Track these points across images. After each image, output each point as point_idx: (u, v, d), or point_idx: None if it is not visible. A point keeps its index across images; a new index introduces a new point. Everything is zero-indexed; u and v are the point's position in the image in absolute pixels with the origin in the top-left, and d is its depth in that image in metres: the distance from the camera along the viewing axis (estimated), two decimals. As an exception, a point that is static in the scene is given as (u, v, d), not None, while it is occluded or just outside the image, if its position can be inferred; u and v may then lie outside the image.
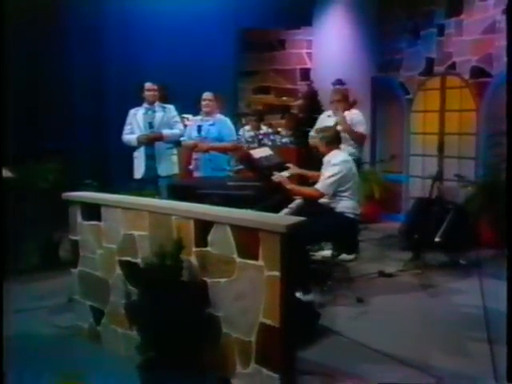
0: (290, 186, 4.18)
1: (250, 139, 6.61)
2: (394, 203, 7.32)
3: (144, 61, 6.80)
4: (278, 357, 2.52)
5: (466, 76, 6.53)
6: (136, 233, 3.12)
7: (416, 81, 7.26)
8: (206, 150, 5.20)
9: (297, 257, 2.68)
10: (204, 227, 2.76)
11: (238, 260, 2.62)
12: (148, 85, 5.24)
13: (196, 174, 5.27)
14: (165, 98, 5.40)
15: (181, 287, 2.72)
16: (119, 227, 3.22)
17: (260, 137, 6.66)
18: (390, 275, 4.86)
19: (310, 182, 4.50)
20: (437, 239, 4.98)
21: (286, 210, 4.01)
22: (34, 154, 5.44)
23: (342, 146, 4.63)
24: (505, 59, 5.02)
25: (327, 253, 4.26)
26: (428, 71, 7.10)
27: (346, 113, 5.29)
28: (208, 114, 5.33)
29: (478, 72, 6.37)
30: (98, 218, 3.36)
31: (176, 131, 5.28)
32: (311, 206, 4.19)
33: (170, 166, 5.25)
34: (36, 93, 6.57)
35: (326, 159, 4.31)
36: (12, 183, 4.70)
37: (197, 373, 2.70)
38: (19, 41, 6.26)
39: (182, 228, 2.87)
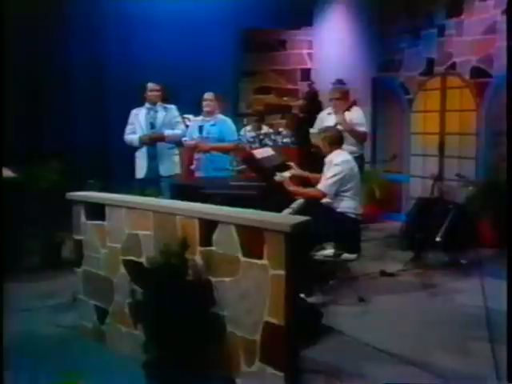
0: (291, 187, 4.20)
1: (251, 139, 6.61)
2: (394, 203, 7.34)
3: (145, 61, 6.80)
4: (282, 355, 2.54)
5: (467, 76, 6.54)
6: (141, 232, 3.13)
7: (416, 81, 7.27)
8: (208, 150, 5.22)
9: (300, 256, 2.69)
10: (209, 226, 2.77)
11: (243, 259, 2.63)
12: (151, 85, 5.25)
13: (197, 174, 5.28)
14: (166, 99, 5.41)
15: (185, 286, 2.73)
16: (123, 227, 3.24)
17: (261, 137, 6.67)
18: (391, 275, 4.88)
19: (311, 183, 4.52)
20: (438, 239, 4.99)
21: (287, 210, 4.03)
22: (35, 154, 5.47)
23: (344, 145, 4.64)
24: (505, 59, 5.05)
25: (329, 252, 4.28)
26: (428, 71, 7.11)
27: (346, 112, 5.29)
28: (209, 114, 5.35)
29: (479, 72, 6.38)
30: (102, 217, 3.37)
31: (178, 131, 5.29)
32: (313, 205, 4.20)
33: (171, 166, 5.26)
34: (38, 92, 6.60)
35: (327, 159, 4.32)
36: (14, 183, 4.72)
37: (201, 372, 2.72)
38: (20, 41, 6.27)
39: (186, 227, 2.88)
